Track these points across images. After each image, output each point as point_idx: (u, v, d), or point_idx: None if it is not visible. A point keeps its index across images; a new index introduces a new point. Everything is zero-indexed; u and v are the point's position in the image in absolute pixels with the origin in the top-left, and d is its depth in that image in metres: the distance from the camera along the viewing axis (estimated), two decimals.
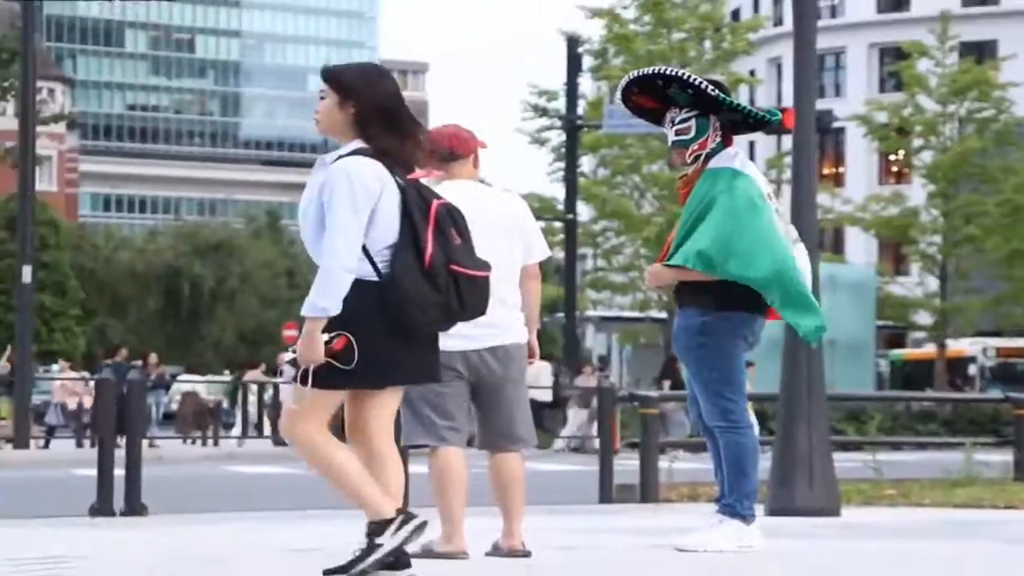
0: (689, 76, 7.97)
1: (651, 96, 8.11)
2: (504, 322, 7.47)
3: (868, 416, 29.77)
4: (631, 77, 8.12)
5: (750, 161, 8.24)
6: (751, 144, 58.47)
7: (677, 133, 8.03)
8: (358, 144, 6.32)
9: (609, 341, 55.28)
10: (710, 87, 7.92)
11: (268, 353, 75.63)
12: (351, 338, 5.97)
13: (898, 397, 32.41)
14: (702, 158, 8.01)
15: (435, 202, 6.30)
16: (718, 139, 8.03)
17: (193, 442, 30.95)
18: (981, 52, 50.79)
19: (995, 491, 13.40)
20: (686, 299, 7.98)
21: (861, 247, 55.70)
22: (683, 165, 8.11)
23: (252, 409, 32.98)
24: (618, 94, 8.26)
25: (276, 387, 34.47)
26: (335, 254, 6.04)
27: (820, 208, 17.62)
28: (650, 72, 8.08)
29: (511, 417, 7.52)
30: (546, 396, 30.39)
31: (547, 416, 30.71)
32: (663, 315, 40.34)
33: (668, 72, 8.02)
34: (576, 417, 31.14)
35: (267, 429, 31.94)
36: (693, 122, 8.00)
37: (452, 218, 6.30)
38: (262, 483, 19.79)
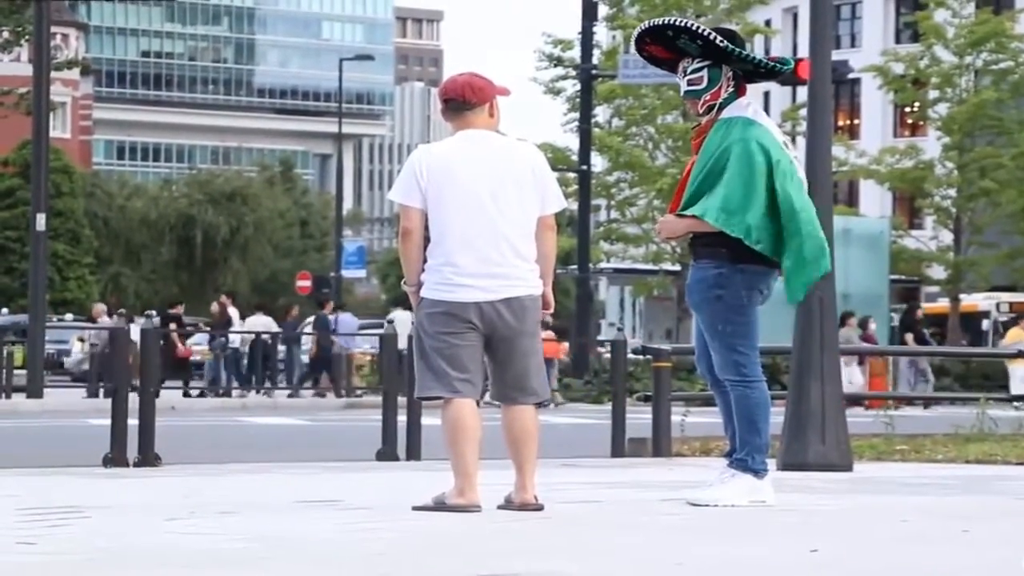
0: (697, 27, 7.94)
1: (663, 46, 8.08)
2: (519, 273, 7.45)
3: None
4: (642, 28, 8.10)
5: (763, 111, 8.21)
6: (766, 95, 58.20)
7: (689, 83, 8.01)
8: None
9: (622, 293, 55.25)
10: (718, 38, 7.88)
11: (283, 303, 75.94)
12: None
13: (911, 352, 32.34)
14: (715, 108, 7.98)
15: None
16: (731, 89, 8.00)
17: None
18: (998, 3, 50.47)
19: (1007, 446, 13.40)
20: (702, 251, 7.97)
21: (875, 200, 55.52)
22: (697, 115, 8.09)
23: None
24: (632, 44, 8.24)
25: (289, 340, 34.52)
26: None
27: (834, 160, 17.56)
28: (659, 23, 8.05)
29: (525, 370, 7.51)
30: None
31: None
32: (676, 268, 40.31)
33: (677, 23, 7.99)
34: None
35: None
36: (705, 72, 7.98)
37: None
38: (273, 434, 19.85)
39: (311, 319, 35.13)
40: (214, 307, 33.62)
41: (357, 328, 34.44)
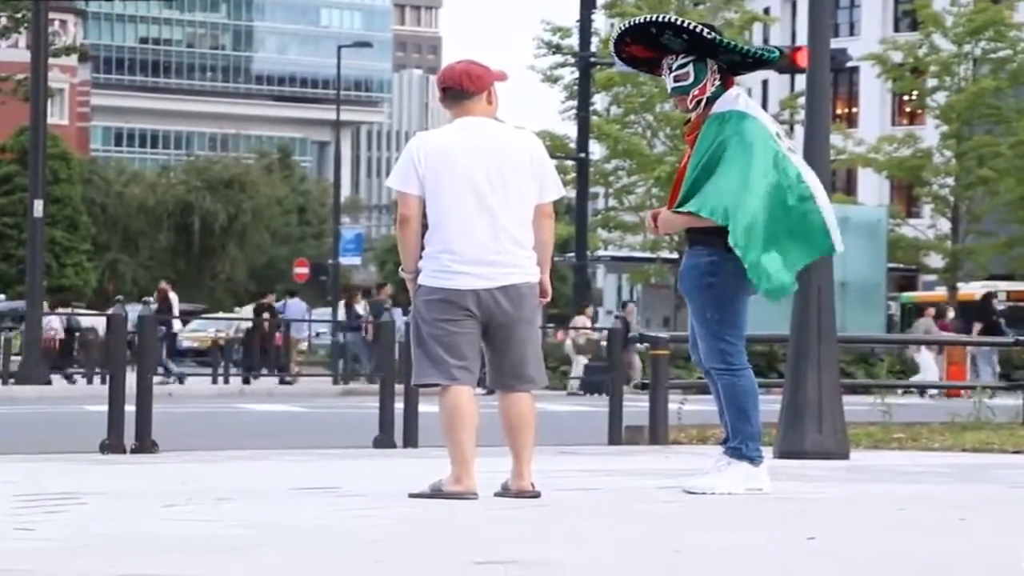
0: (681, 21, 7.91)
1: (645, 45, 8.05)
2: (516, 261, 7.45)
3: (878, 359, 29.79)
4: (622, 29, 8.07)
5: (753, 101, 8.20)
6: (764, 84, 58.18)
7: (676, 80, 7.98)
8: None
9: (619, 281, 55.28)
10: (705, 30, 7.87)
11: (280, 290, 76.12)
12: None
13: (908, 340, 32.36)
14: (703, 103, 7.96)
15: None
16: (717, 82, 7.97)
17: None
18: None
19: (1004, 435, 13.42)
20: (696, 238, 7.97)
21: (873, 188, 55.53)
22: (685, 111, 8.07)
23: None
24: (611, 47, 8.20)
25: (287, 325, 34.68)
26: None
27: (832, 149, 17.53)
28: (641, 21, 8.03)
29: (522, 357, 7.51)
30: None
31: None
32: (674, 256, 40.29)
33: (660, 19, 7.97)
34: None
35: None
36: (691, 68, 7.95)
37: None
38: (270, 421, 19.86)
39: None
40: (156, 294, 34.03)
41: (305, 314, 35.13)
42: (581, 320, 32.90)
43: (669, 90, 8.09)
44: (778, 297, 7.90)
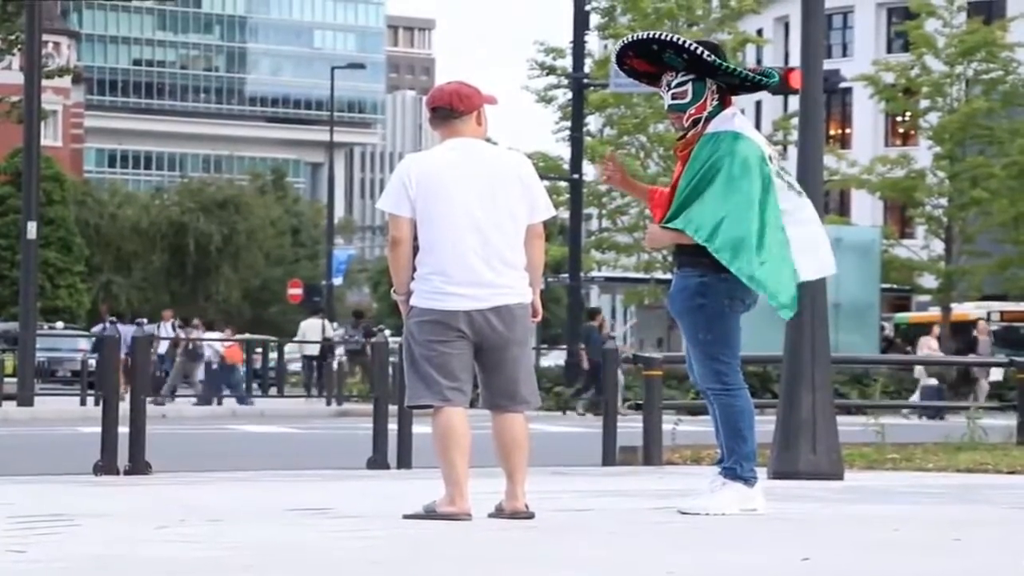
0: (683, 41, 7.94)
1: (646, 60, 8.08)
2: (508, 282, 7.45)
3: (871, 380, 29.82)
4: (625, 42, 8.10)
5: (749, 121, 8.22)
6: (758, 104, 58.28)
7: (673, 97, 8.01)
8: None
9: (614, 302, 55.32)
10: (705, 52, 7.89)
11: (274, 312, 76.10)
12: None
13: (902, 360, 32.40)
14: (700, 121, 7.98)
15: None
16: (715, 101, 7.99)
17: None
18: (989, 12, 50.51)
19: (998, 455, 13.42)
20: (685, 260, 7.98)
21: (867, 209, 55.59)
22: (681, 129, 8.08)
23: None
24: (613, 58, 8.24)
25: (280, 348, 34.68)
26: None
27: (826, 170, 17.52)
28: (644, 37, 8.06)
29: (514, 377, 7.51)
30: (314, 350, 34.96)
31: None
32: (667, 277, 40.31)
33: (662, 37, 8.00)
34: None
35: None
36: (689, 86, 7.97)
37: None
38: (264, 443, 19.83)
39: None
40: None
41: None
42: (929, 342, 33.05)
43: (666, 107, 8.12)
44: (791, 308, 7.87)
